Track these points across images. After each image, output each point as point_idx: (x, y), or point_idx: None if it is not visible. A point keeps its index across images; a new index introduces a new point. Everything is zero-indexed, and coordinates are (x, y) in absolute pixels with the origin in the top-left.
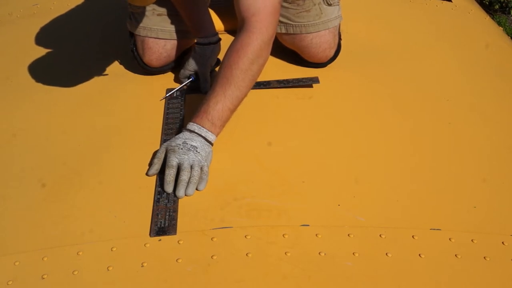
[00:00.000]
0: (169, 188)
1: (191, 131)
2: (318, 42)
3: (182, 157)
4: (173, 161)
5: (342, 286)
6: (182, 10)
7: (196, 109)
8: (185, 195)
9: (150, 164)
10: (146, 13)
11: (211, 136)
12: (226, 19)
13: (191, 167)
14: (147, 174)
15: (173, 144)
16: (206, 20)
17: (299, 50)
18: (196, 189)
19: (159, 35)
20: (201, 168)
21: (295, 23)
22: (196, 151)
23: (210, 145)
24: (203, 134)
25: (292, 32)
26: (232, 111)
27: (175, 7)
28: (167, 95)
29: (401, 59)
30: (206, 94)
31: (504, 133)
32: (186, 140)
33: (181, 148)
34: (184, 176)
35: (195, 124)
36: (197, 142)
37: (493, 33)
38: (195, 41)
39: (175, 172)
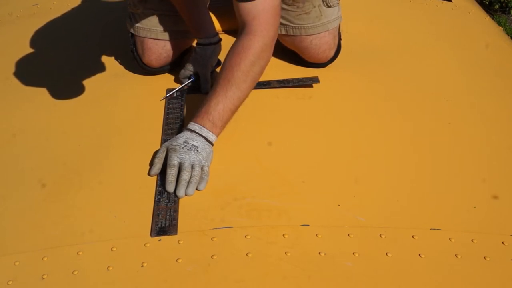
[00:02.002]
0: (170, 187)
1: (192, 131)
2: (318, 43)
3: (183, 156)
4: (175, 160)
5: (342, 286)
6: (182, 10)
7: (196, 109)
8: (186, 195)
9: (151, 164)
10: (146, 13)
11: (211, 137)
12: (225, 19)
13: (192, 167)
14: (149, 174)
15: (174, 143)
16: (206, 20)
17: (299, 51)
18: (197, 189)
19: (158, 35)
20: (202, 168)
21: (295, 25)
22: (197, 150)
23: (211, 145)
24: (204, 134)
25: (292, 33)
26: (233, 111)
27: (175, 8)
28: (167, 95)
29: (401, 59)
30: (207, 94)
31: (504, 133)
32: (187, 140)
33: (182, 148)
34: (185, 176)
35: (196, 124)
36: (198, 142)
37: (493, 33)
38: (196, 41)
39: (176, 172)
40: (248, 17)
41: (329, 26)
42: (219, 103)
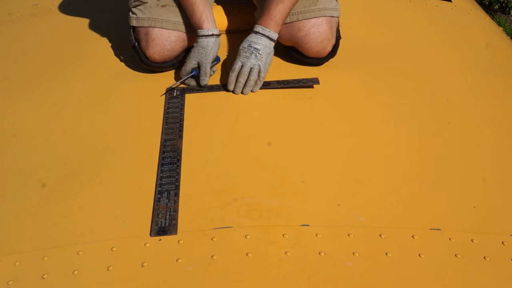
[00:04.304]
0: (230, 87)
1: (256, 32)
2: (315, 32)
3: (244, 60)
4: (236, 64)
5: (342, 286)
6: (184, 2)
7: (197, 103)
8: (242, 93)
9: None
10: (151, 4)
11: (273, 35)
12: (227, 19)
13: (250, 71)
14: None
15: (240, 47)
16: (209, 14)
17: (298, 43)
18: (251, 91)
19: (163, 25)
20: (259, 73)
21: (291, 11)
22: (258, 53)
23: (273, 42)
24: (266, 34)
25: (288, 20)
26: (290, 9)
27: (178, 0)
28: (170, 87)
29: (400, 59)
30: (205, 87)
31: (504, 133)
32: (251, 44)
33: (245, 52)
34: (241, 79)
35: (260, 26)
36: (260, 44)
37: (493, 33)
38: (197, 34)
39: (236, 74)
40: None
41: (326, 13)
42: (279, 4)
